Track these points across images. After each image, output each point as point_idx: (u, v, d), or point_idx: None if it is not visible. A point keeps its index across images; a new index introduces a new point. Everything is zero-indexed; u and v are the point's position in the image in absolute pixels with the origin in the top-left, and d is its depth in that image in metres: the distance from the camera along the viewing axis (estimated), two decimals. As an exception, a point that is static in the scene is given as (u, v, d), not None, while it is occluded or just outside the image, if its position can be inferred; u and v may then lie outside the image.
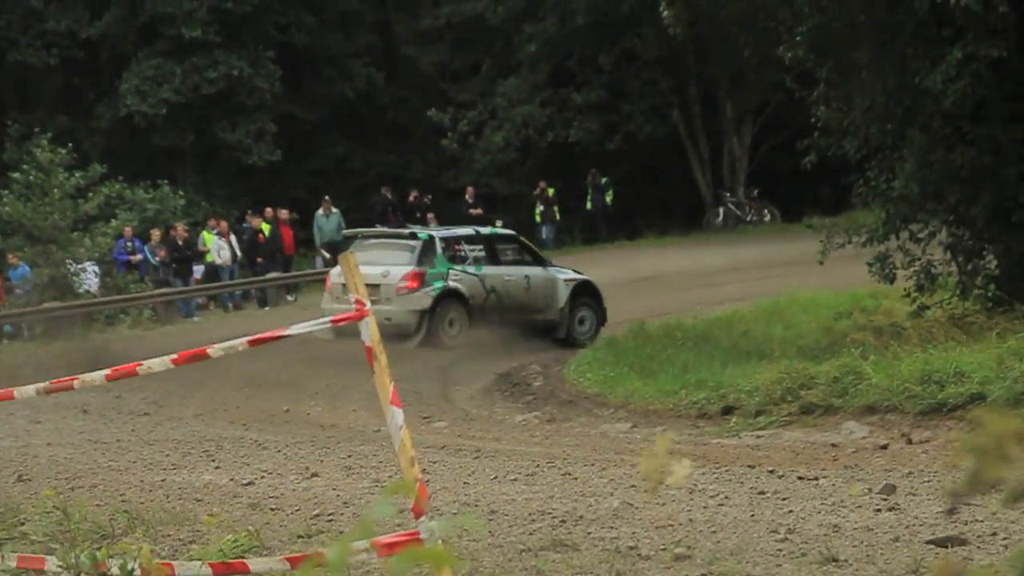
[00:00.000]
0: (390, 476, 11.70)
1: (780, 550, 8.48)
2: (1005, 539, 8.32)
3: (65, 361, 21.70)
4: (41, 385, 7.69)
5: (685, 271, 34.09)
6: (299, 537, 9.40)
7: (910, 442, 13.20)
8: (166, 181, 39.72)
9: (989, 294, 18.91)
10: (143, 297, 32.12)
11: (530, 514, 9.91)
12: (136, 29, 43.62)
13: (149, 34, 43.47)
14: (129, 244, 34.32)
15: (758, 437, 14.54)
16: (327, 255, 36.04)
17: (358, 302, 6.59)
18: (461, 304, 24.29)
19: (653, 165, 46.11)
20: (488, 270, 24.74)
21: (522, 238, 26.86)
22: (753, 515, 9.57)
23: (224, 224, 36.15)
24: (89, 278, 32.44)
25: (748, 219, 44.61)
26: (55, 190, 32.15)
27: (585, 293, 25.61)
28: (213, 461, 13.57)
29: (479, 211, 40.38)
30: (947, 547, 8.27)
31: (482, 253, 24.91)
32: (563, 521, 9.58)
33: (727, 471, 11.68)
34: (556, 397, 19.16)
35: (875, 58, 19.18)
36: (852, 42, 19.52)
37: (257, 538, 9.01)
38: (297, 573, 6.81)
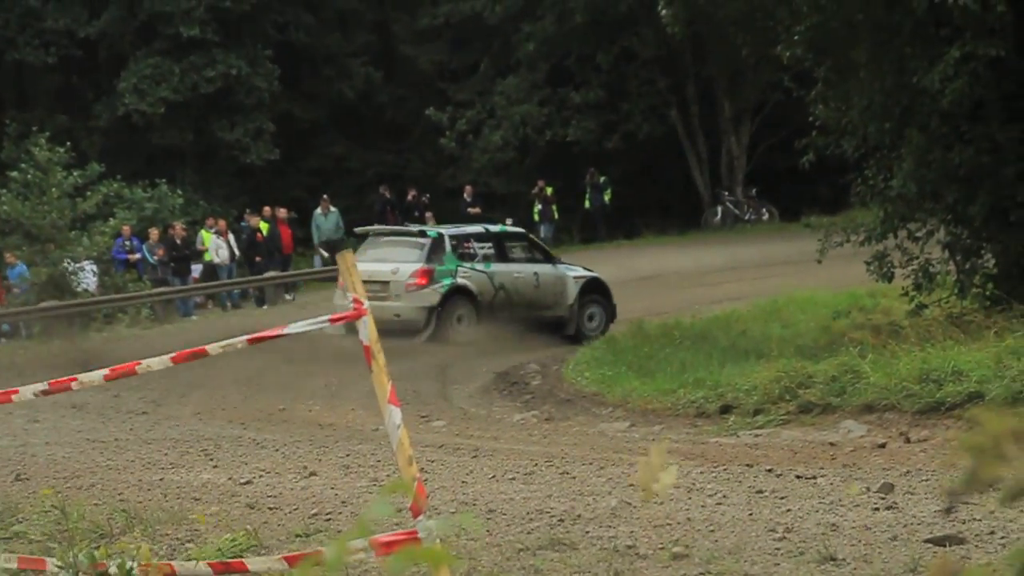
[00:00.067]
0: (388, 475, 11.70)
1: (778, 549, 8.48)
2: (1003, 538, 8.32)
3: (61, 361, 21.67)
4: (39, 386, 7.68)
5: (683, 270, 34.09)
6: (297, 536, 9.40)
7: (908, 441, 13.21)
8: (164, 180, 39.72)
9: (987, 293, 18.92)
10: (141, 296, 32.10)
11: (528, 513, 9.91)
12: (134, 28, 43.60)
13: (147, 33, 43.45)
14: (127, 243, 34.31)
15: (756, 436, 14.55)
16: (325, 254, 36.03)
17: (356, 301, 6.59)
18: (470, 301, 24.60)
19: (651, 164, 46.10)
20: (497, 267, 25.03)
21: (531, 236, 27.14)
22: (751, 514, 9.58)
23: (222, 223, 36.14)
24: (87, 277, 32.41)
25: (746, 218, 44.61)
26: (53, 189, 32.12)
27: (594, 290, 25.87)
28: (211, 460, 13.57)
29: (477, 210, 40.38)
30: (945, 546, 8.27)
31: (491, 251, 25.20)
32: (561, 520, 9.58)
33: (725, 470, 11.68)
34: (554, 396, 19.16)
35: (873, 57, 19.18)
36: (850, 41, 19.52)
37: (255, 537, 9.01)
38: (295, 572, 6.81)
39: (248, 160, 43.33)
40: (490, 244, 25.31)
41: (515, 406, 18.70)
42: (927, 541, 8.41)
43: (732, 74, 44.79)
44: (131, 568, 7.35)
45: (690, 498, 10.24)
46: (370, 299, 24.15)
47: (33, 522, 9.85)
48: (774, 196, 44.05)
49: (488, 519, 9.74)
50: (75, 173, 32.98)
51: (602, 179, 43.67)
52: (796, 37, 19.48)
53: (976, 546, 8.23)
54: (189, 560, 7.89)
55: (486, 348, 23.42)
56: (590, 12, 44.06)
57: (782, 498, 10.10)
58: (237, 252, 35.30)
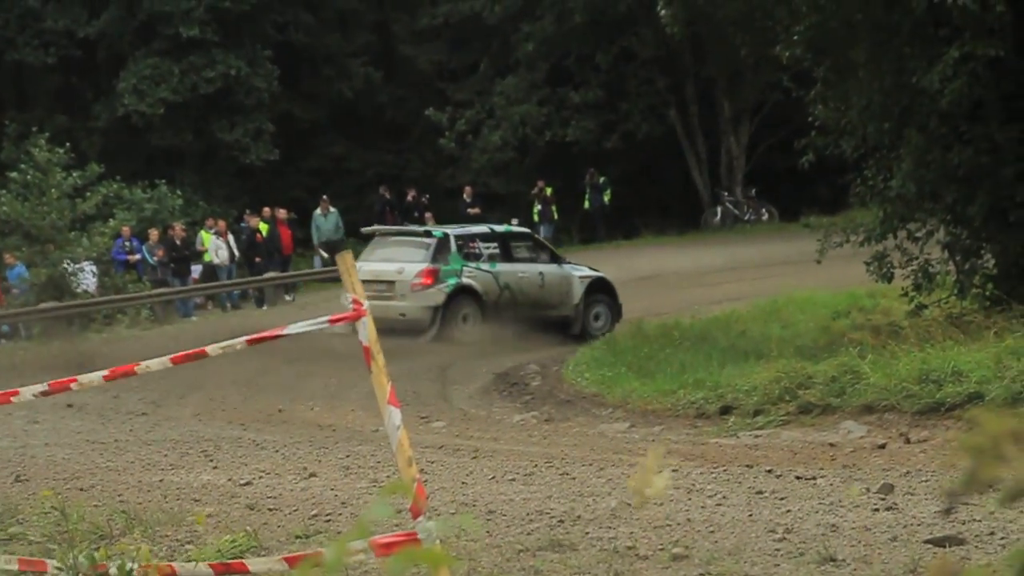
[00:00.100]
0: (388, 476, 11.70)
1: (778, 550, 8.48)
2: (1003, 538, 8.33)
3: (60, 362, 21.65)
4: (39, 387, 7.68)
5: (683, 270, 34.08)
6: (297, 537, 9.41)
7: (908, 441, 13.21)
8: (164, 181, 39.72)
9: (987, 293, 18.92)
10: (141, 297, 32.09)
11: (528, 514, 9.91)
12: (134, 28, 43.59)
13: (147, 33, 43.44)
14: (127, 244, 34.31)
15: (756, 437, 14.54)
16: (325, 254, 36.04)
17: (355, 302, 6.59)
18: (474, 300, 24.88)
19: (651, 164, 46.10)
20: (502, 267, 25.29)
21: (537, 236, 27.44)
22: (751, 515, 9.58)
23: (222, 224, 36.14)
24: (87, 278, 32.41)
25: (746, 218, 44.60)
26: (53, 190, 32.12)
27: (600, 290, 26.14)
28: (211, 461, 13.57)
29: (477, 210, 40.36)
30: (945, 546, 8.28)
31: (497, 251, 25.48)
32: (561, 521, 9.58)
33: (725, 471, 11.68)
34: (554, 397, 19.16)
35: (872, 57, 19.18)
36: (849, 41, 19.52)
37: (255, 538, 9.01)
38: (294, 573, 6.81)
39: (248, 160, 43.33)
40: (495, 244, 25.58)
41: (515, 407, 18.70)
42: (927, 542, 8.41)
43: (731, 74, 44.79)
44: (131, 569, 7.34)
45: (690, 499, 10.25)
46: (376, 299, 24.42)
47: (33, 523, 9.85)
48: (773, 196, 44.05)
49: (488, 520, 9.74)
50: (75, 174, 32.97)
51: (601, 179, 43.67)
52: (795, 37, 19.49)
53: (976, 547, 8.23)
54: (189, 561, 7.89)
55: (491, 347, 23.59)
56: (589, 12, 44.06)
57: (782, 499, 10.11)
58: (237, 253, 35.30)
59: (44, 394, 7.65)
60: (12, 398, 7.69)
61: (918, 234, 19.51)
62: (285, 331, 7.02)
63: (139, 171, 40.19)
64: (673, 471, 11.71)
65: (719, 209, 44.94)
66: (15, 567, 7.91)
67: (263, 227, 35.76)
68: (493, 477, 11.81)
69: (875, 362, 15.33)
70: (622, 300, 26.42)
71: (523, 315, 24.97)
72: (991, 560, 7.85)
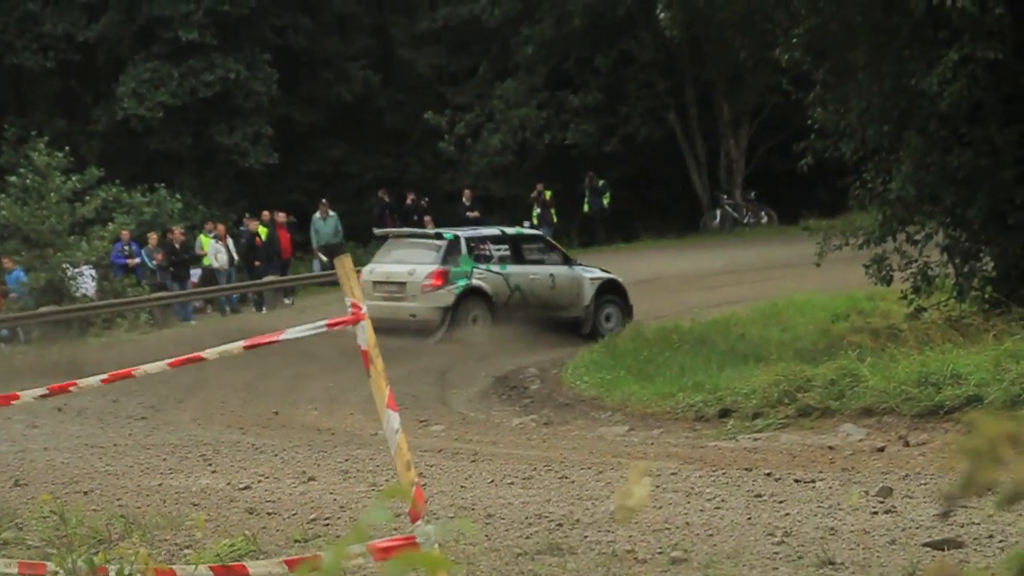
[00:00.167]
0: (387, 480, 11.70)
1: (777, 553, 8.48)
2: (1001, 542, 8.32)
3: (61, 369, 21.65)
4: (38, 391, 7.67)
5: (682, 273, 34.08)
6: (296, 541, 9.40)
7: (907, 444, 13.20)
8: (163, 184, 39.69)
9: (986, 296, 18.90)
10: (140, 301, 32.08)
11: (527, 518, 9.91)
12: (133, 32, 43.58)
13: (146, 37, 43.44)
14: (126, 248, 34.29)
15: (755, 440, 14.54)
16: (324, 258, 36.05)
17: (354, 306, 6.58)
18: (484, 302, 25.23)
19: (650, 167, 46.09)
20: (513, 269, 25.64)
21: (548, 238, 27.90)
22: (750, 518, 9.58)
23: (221, 227, 36.13)
24: (86, 282, 32.40)
25: (745, 221, 44.59)
26: (52, 194, 32.12)
27: (611, 291, 26.47)
28: (210, 465, 13.57)
29: (476, 214, 40.35)
30: (943, 550, 8.27)
31: (507, 253, 25.83)
32: (560, 525, 9.57)
33: (724, 474, 11.68)
34: (553, 400, 19.15)
35: (871, 60, 19.18)
36: (848, 44, 19.52)
37: (254, 542, 9.01)
38: (293, 577, 6.80)
39: (247, 164, 43.32)
40: (506, 246, 25.94)
41: (514, 410, 18.69)
42: (925, 545, 8.41)
43: (731, 77, 44.78)
44: (130, 573, 7.34)
45: (689, 502, 10.24)
46: (387, 299, 24.95)
47: (32, 528, 9.85)
48: (773, 199, 44.04)
49: (487, 524, 9.74)
50: (74, 178, 32.95)
51: (601, 182, 43.65)
52: (794, 40, 19.48)
53: (975, 550, 8.23)
54: (189, 565, 7.88)
55: (500, 348, 23.79)
56: (588, 15, 44.06)
57: (781, 502, 10.10)
58: (236, 256, 35.29)
59: (44, 397, 7.65)
60: (12, 402, 7.69)
61: (917, 237, 19.50)
62: (283, 336, 7.02)
63: (138, 175, 40.18)
64: (672, 474, 11.71)
65: (718, 212, 44.93)
66: (15, 571, 7.91)
67: (262, 231, 35.75)
68: (492, 481, 11.80)
69: (874, 365, 15.32)
70: (626, 302, 26.69)
71: (534, 316, 25.30)
72: (990, 563, 7.85)
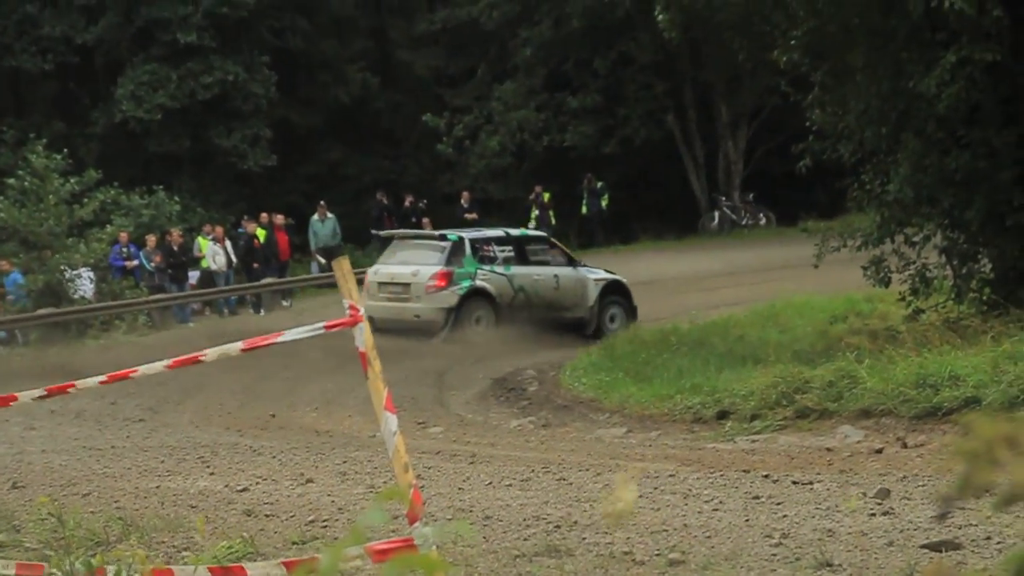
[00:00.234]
0: (385, 482, 11.70)
1: (774, 555, 8.48)
2: (999, 543, 8.32)
3: (57, 369, 21.64)
4: (36, 392, 7.67)
5: (680, 275, 34.08)
6: (293, 543, 9.40)
7: (905, 446, 13.20)
8: (161, 187, 39.66)
9: (984, 298, 18.90)
10: (138, 303, 32.07)
11: (525, 519, 9.91)
12: (131, 35, 43.57)
13: (144, 39, 43.43)
14: (124, 250, 34.27)
15: (753, 441, 14.54)
16: (322, 260, 36.05)
17: (352, 308, 6.58)
18: (488, 302, 25.50)
19: (648, 169, 46.11)
20: (517, 270, 25.91)
21: (553, 240, 28.16)
22: (747, 520, 9.57)
23: (219, 230, 36.12)
24: (84, 284, 32.39)
25: (743, 223, 44.60)
26: (50, 196, 32.13)
27: (615, 292, 26.76)
28: (208, 467, 13.56)
29: (474, 216, 40.34)
30: (941, 551, 8.27)
31: (511, 254, 26.13)
32: (558, 526, 9.57)
33: (722, 476, 11.68)
34: (551, 402, 19.14)
35: (869, 62, 19.19)
36: (847, 46, 19.52)
37: (251, 544, 9.01)
38: (291, 579, 6.80)
39: (245, 166, 43.31)
40: (510, 247, 26.25)
41: (512, 412, 18.68)
42: (923, 547, 8.41)
43: (729, 79, 44.80)
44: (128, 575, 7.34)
45: (686, 504, 10.24)
46: (392, 300, 25.47)
47: (29, 530, 9.84)
48: (771, 201, 44.04)
49: (484, 526, 9.74)
50: (72, 180, 32.96)
51: (599, 184, 43.65)
52: (793, 42, 19.48)
53: (972, 551, 8.23)
54: (187, 565, 7.88)
55: (504, 348, 23.97)
56: (587, 17, 44.08)
57: (778, 504, 10.10)
58: (234, 258, 35.28)
59: (42, 398, 7.65)
60: (10, 403, 7.69)
61: (915, 238, 19.50)
62: (281, 337, 7.02)
63: (136, 177, 40.15)
64: (670, 476, 11.71)
65: (717, 214, 44.94)
66: (12, 572, 7.90)
67: (260, 233, 35.74)
68: (490, 482, 11.80)
69: (872, 367, 15.33)
70: (628, 303, 26.84)
71: (537, 317, 25.54)
72: (987, 565, 7.85)
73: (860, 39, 19.25)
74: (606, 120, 45.15)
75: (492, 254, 25.88)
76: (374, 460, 13.14)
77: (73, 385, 7.61)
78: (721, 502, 10.28)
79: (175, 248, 34.69)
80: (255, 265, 35.07)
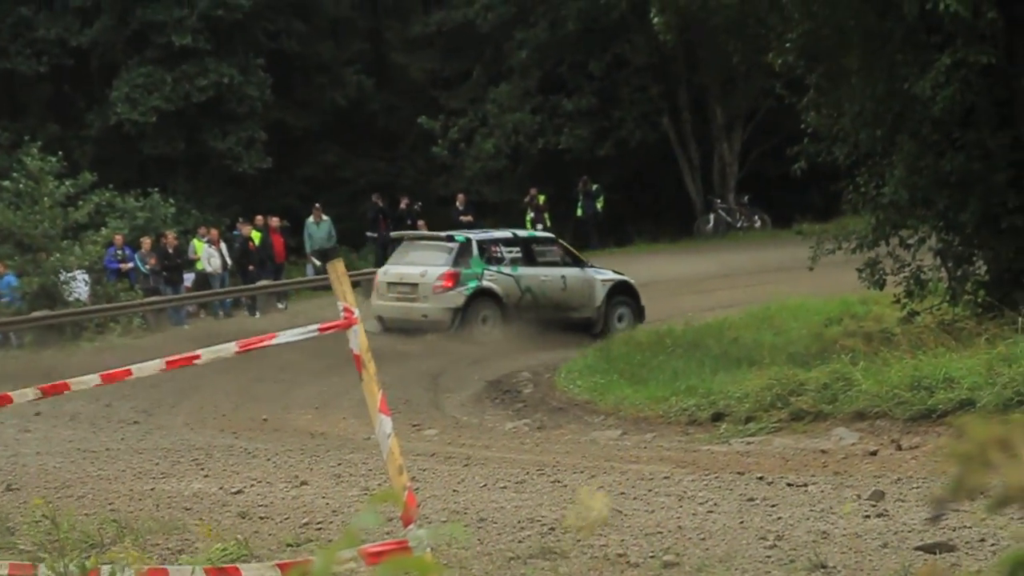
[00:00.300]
0: (380, 484, 11.69)
1: (769, 557, 8.48)
2: (993, 545, 8.33)
3: (54, 371, 21.61)
4: (30, 394, 7.66)
5: (676, 277, 34.08)
6: (288, 546, 9.39)
7: (900, 448, 13.20)
8: (156, 189, 39.60)
9: (979, 300, 18.91)
10: (133, 305, 32.04)
11: (519, 522, 9.91)
12: (126, 37, 43.58)
13: (139, 42, 43.43)
14: (119, 252, 34.22)
15: (748, 444, 14.54)
16: (318, 262, 36.03)
17: (346, 310, 6.58)
18: (495, 302, 25.81)
19: (643, 171, 46.13)
20: (524, 271, 26.22)
21: (561, 240, 28.37)
22: (742, 522, 9.57)
23: (214, 232, 36.09)
24: (79, 286, 32.36)
25: (738, 225, 44.62)
26: (45, 198, 32.10)
27: (623, 292, 27.12)
28: (202, 470, 13.55)
29: (470, 218, 40.30)
30: (935, 553, 8.28)
31: (519, 255, 26.43)
32: (552, 529, 9.57)
33: (716, 478, 11.68)
34: (546, 404, 19.14)
35: (865, 64, 19.20)
36: (842, 48, 19.53)
37: (246, 547, 9.00)
38: (285, 581, 6.79)
39: (240, 169, 43.31)
40: (518, 248, 26.56)
41: (507, 414, 18.68)
42: (917, 548, 8.41)
43: (724, 81, 44.83)
44: (121, 578, 7.33)
45: (681, 506, 10.24)
46: (400, 300, 25.96)
47: (24, 532, 9.83)
48: (766, 203, 44.06)
49: (479, 528, 9.73)
50: (67, 182, 32.94)
51: (594, 187, 43.63)
52: (788, 44, 19.50)
53: (966, 553, 8.23)
54: (182, 566, 7.87)
55: (510, 348, 24.29)
56: (582, 20, 44.11)
57: (773, 506, 10.10)
58: (229, 261, 35.26)
59: (37, 400, 7.65)
60: (6, 404, 7.68)
61: (910, 241, 19.52)
62: (275, 339, 7.02)
63: (131, 179, 40.13)
64: (664, 478, 11.71)
65: (712, 216, 44.95)
66: (5, 572, 7.89)
67: (256, 235, 35.72)
68: (484, 485, 11.80)
69: (867, 369, 15.33)
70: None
71: (545, 317, 25.82)
72: (981, 567, 7.85)
73: (855, 41, 19.26)
74: (601, 122, 45.16)
75: (499, 255, 26.19)
76: (369, 462, 13.13)
77: (68, 387, 7.60)
78: (716, 504, 10.28)
79: (170, 251, 34.66)
80: (250, 267, 35.06)
